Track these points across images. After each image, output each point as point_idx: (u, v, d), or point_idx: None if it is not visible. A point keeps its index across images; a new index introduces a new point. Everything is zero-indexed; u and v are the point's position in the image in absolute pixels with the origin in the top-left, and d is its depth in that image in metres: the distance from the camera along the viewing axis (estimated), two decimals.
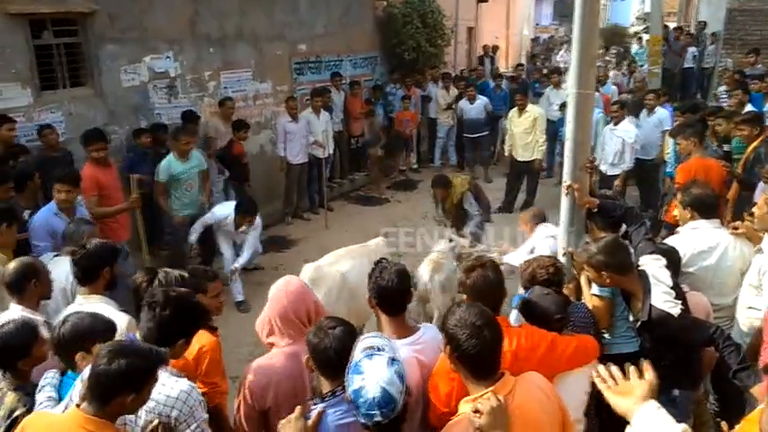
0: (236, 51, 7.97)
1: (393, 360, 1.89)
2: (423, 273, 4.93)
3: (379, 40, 10.98)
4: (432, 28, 11.23)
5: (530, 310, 2.75)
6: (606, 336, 3.19)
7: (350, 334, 2.12)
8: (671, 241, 3.71)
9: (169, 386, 2.20)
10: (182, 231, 6.05)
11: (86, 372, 2.29)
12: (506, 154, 8.92)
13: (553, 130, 9.35)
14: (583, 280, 3.24)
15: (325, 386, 2.10)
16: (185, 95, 7.30)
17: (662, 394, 3.02)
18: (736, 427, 1.85)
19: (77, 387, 2.26)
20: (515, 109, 8.70)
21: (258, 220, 6.12)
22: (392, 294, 2.47)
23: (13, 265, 3.13)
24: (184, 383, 2.26)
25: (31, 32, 5.74)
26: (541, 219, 4.64)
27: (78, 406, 1.99)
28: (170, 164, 5.89)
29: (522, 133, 8.49)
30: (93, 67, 6.30)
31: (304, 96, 9.07)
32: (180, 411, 2.19)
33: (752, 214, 3.71)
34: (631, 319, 3.00)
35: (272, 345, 2.54)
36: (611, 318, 3.17)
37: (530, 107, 8.63)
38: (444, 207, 6.12)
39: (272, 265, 7.06)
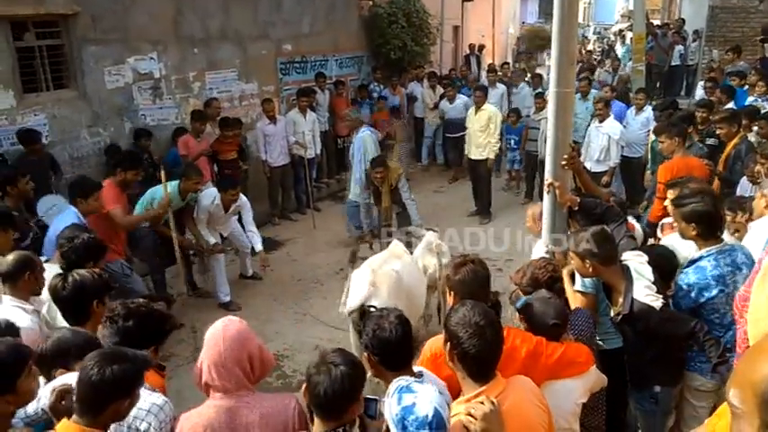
0: (221, 51, 7.93)
1: (441, 393, 1.88)
2: (428, 260, 5.02)
3: (365, 39, 10.98)
4: (417, 27, 11.25)
5: (528, 313, 2.74)
6: None
7: (357, 374, 1.93)
8: (670, 240, 3.63)
9: (142, 399, 2.16)
10: (149, 240, 5.76)
11: (57, 381, 2.24)
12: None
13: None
14: (566, 278, 3.25)
15: (318, 427, 1.96)
16: (170, 96, 7.26)
17: (644, 390, 3.10)
18: (706, 420, 1.87)
19: (45, 397, 2.23)
20: (473, 107, 8.53)
21: (243, 198, 6.11)
22: (397, 346, 2.15)
23: (11, 256, 3.22)
24: (157, 397, 2.24)
25: (13, 34, 5.68)
26: None
27: (69, 418, 1.96)
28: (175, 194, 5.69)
29: (477, 131, 8.28)
30: (77, 68, 6.25)
31: (290, 96, 9.05)
32: (150, 425, 2.16)
33: (731, 209, 3.76)
34: (612, 314, 3.03)
35: (208, 388, 2.24)
36: (595, 314, 3.21)
37: (486, 106, 8.35)
38: (380, 189, 6.30)
39: (260, 267, 7.03)
